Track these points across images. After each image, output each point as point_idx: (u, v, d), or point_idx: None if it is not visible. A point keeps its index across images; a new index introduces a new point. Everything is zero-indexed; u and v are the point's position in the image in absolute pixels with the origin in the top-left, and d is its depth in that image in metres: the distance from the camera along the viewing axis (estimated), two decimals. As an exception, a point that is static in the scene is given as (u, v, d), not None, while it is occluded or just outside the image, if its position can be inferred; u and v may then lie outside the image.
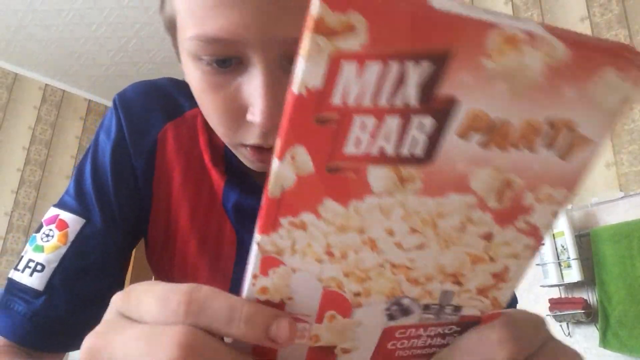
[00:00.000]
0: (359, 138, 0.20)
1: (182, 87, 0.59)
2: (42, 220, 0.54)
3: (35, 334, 0.51)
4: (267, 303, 0.25)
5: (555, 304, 2.03)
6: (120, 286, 0.57)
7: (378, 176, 0.21)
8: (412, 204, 0.22)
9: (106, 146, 0.56)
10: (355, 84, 0.19)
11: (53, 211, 0.54)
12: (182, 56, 0.46)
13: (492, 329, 0.27)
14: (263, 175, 0.56)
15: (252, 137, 0.44)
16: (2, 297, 0.52)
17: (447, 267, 0.25)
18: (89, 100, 4.55)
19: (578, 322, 2.02)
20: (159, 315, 0.24)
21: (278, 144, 0.20)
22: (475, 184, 0.22)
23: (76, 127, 4.43)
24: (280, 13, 0.39)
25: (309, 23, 0.17)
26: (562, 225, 2.05)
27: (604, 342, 1.88)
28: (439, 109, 0.20)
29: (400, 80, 0.19)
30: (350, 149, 0.20)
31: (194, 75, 0.45)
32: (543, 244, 1.90)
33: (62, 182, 4.23)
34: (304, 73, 0.18)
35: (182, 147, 0.57)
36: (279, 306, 0.25)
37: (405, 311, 0.26)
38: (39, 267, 0.51)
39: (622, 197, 2.06)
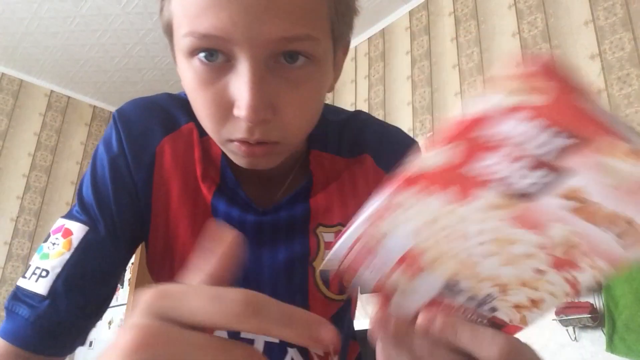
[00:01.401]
0: (497, 163, 0.27)
1: (178, 102, 0.62)
2: (50, 230, 0.57)
3: (37, 338, 0.52)
4: (368, 236, 0.32)
5: (561, 308, 2.02)
6: (114, 292, 0.60)
7: (491, 193, 0.28)
8: (499, 224, 0.30)
9: (106, 160, 0.58)
10: (518, 128, 0.25)
11: (60, 222, 0.57)
12: (178, 57, 0.49)
13: (504, 337, 0.33)
14: (255, 189, 0.61)
15: (239, 132, 0.47)
16: (8, 303, 0.54)
17: (501, 277, 0.32)
18: (94, 107, 4.58)
19: (584, 327, 2.01)
20: (212, 315, 0.24)
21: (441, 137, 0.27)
22: (552, 232, 0.29)
23: (81, 133, 4.45)
24: (265, 14, 0.43)
25: (514, 73, 0.24)
26: (567, 229, 2.05)
27: (611, 346, 1.87)
28: (559, 171, 0.26)
29: (549, 141, 0.25)
30: (485, 165, 0.27)
31: (187, 74, 0.48)
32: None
33: (67, 188, 4.24)
34: (488, 103, 0.25)
35: (179, 160, 0.59)
36: (373, 247, 0.32)
37: (456, 293, 0.33)
38: (43, 273, 0.53)
39: (627, 201, 2.05)
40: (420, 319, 0.34)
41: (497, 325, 0.35)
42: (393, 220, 0.31)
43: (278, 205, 0.60)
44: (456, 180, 0.28)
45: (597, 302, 1.99)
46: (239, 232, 0.28)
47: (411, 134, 3.04)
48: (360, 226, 0.31)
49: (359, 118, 0.67)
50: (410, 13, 3.35)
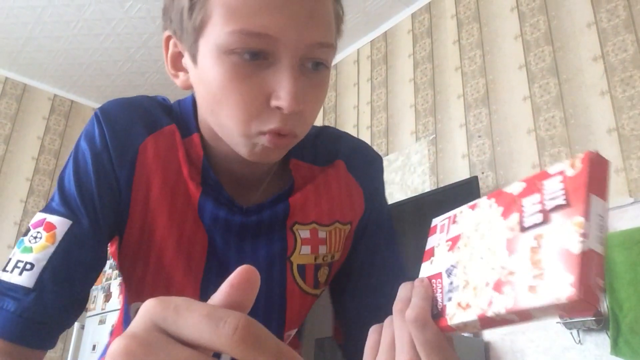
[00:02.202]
0: (532, 202, 0.37)
1: (158, 104, 0.65)
2: (29, 224, 0.58)
3: (26, 331, 0.53)
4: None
5: (565, 311, 2.01)
6: (91, 287, 0.61)
7: (515, 218, 0.38)
8: (500, 239, 0.39)
9: (90, 155, 0.60)
10: (553, 184, 0.36)
11: (39, 216, 0.58)
12: (205, 53, 0.53)
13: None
14: (235, 189, 0.65)
15: (273, 122, 0.52)
16: None
17: (470, 276, 0.41)
18: (97, 110, 4.59)
19: (589, 330, 2.00)
20: (208, 335, 0.23)
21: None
22: (513, 260, 0.37)
23: (84, 136, 4.45)
24: (310, 22, 0.51)
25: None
26: (571, 232, 2.04)
27: (616, 349, 1.86)
28: (547, 220, 0.35)
29: (555, 197, 0.36)
30: (529, 201, 0.38)
31: (219, 70, 0.52)
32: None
33: (70, 192, 4.25)
34: (553, 167, 0.38)
35: (161, 158, 0.62)
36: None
37: (448, 275, 0.42)
38: (28, 266, 0.54)
39: (631, 203, 2.04)
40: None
41: (439, 314, 0.41)
42: (470, 213, 0.44)
43: (262, 205, 0.65)
44: (512, 203, 0.39)
45: (602, 304, 1.99)
46: (255, 270, 0.27)
47: (414, 137, 3.04)
48: (457, 209, 0.46)
49: (330, 131, 0.75)
50: (413, 16, 3.36)
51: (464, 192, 2.48)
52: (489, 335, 2.33)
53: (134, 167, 0.61)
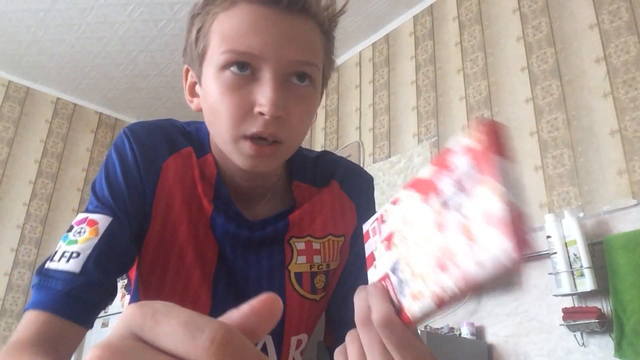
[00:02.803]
0: (448, 182, 0.39)
1: (178, 129, 0.75)
2: (72, 223, 0.66)
3: (73, 306, 0.59)
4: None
5: (568, 313, 2.01)
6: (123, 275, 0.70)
7: (437, 202, 0.40)
8: (431, 224, 0.40)
9: (121, 165, 0.69)
10: (463, 161, 0.38)
11: (81, 215, 0.66)
12: (208, 73, 0.64)
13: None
14: (242, 203, 0.74)
15: (256, 126, 0.61)
16: (39, 280, 0.60)
17: (414, 265, 0.41)
18: (100, 114, 4.60)
19: (592, 332, 2.00)
20: (184, 345, 0.22)
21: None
22: (447, 236, 0.38)
23: (87, 139, 4.47)
24: (289, 42, 0.61)
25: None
26: (574, 234, 2.03)
27: (619, 352, 1.85)
28: (467, 194, 0.37)
29: (469, 172, 0.37)
30: (443, 181, 0.39)
31: (216, 85, 0.62)
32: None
33: (73, 195, 4.26)
34: (458, 141, 0.39)
35: (180, 177, 0.71)
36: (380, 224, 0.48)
37: (395, 273, 0.43)
38: (74, 255, 0.61)
39: (635, 205, 2.04)
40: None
41: (398, 311, 0.42)
42: (395, 209, 0.45)
43: (266, 221, 0.74)
44: (429, 187, 0.41)
45: (605, 307, 1.98)
46: (279, 300, 0.26)
47: (416, 139, 3.04)
48: (382, 209, 0.47)
49: (328, 157, 0.85)
50: (415, 18, 3.36)
51: (467, 194, 2.47)
52: (492, 337, 2.32)
53: (157, 182, 0.70)
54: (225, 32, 0.62)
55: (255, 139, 0.62)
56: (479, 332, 2.36)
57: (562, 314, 2.02)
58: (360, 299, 0.45)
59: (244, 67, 0.61)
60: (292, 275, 0.75)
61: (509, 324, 2.26)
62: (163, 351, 0.23)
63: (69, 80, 4.20)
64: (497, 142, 0.35)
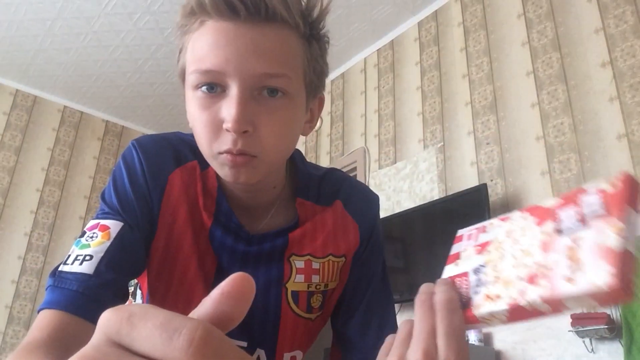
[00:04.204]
0: (570, 213, 0.39)
1: (184, 143, 0.76)
2: (84, 229, 0.67)
3: (87, 305, 0.59)
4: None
5: (577, 319, 1.99)
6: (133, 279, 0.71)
7: (550, 226, 0.40)
8: (534, 242, 0.40)
9: (129, 175, 0.71)
10: (592, 199, 0.38)
11: (94, 222, 0.68)
12: (187, 92, 0.65)
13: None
14: (244, 216, 0.74)
15: (226, 143, 0.61)
16: (52, 284, 0.61)
17: (502, 272, 0.41)
18: (107, 121, 4.63)
19: (601, 338, 1.98)
20: (162, 348, 0.21)
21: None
22: (549, 257, 0.38)
23: (94, 147, 4.49)
24: (251, 55, 0.60)
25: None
26: (582, 239, 2.02)
27: (629, 358, 1.84)
28: (586, 225, 0.37)
29: (595, 209, 0.37)
30: (566, 213, 0.39)
31: (192, 103, 0.63)
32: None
33: (80, 202, 4.28)
34: (594, 185, 0.39)
35: (185, 190, 0.73)
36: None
37: (476, 273, 0.43)
38: (87, 257, 0.62)
39: (643, 209, 2.02)
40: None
41: (464, 306, 0.42)
42: (501, 223, 0.46)
43: (264, 237, 0.74)
44: (547, 214, 0.41)
45: (614, 313, 1.96)
46: (250, 278, 0.25)
47: (422, 145, 3.04)
48: (487, 221, 0.48)
49: (336, 175, 0.84)
50: (419, 24, 3.36)
51: (473, 199, 2.47)
52: (500, 344, 2.30)
53: (163, 193, 0.71)
54: (194, 51, 0.62)
55: (228, 153, 0.62)
56: (486, 339, 2.34)
57: (570, 320, 2.01)
58: (426, 286, 0.44)
59: (212, 86, 0.61)
60: (289, 292, 0.76)
61: (517, 329, 2.24)
62: (141, 355, 0.22)
63: (75, 89, 4.23)
64: (631, 192, 0.36)
